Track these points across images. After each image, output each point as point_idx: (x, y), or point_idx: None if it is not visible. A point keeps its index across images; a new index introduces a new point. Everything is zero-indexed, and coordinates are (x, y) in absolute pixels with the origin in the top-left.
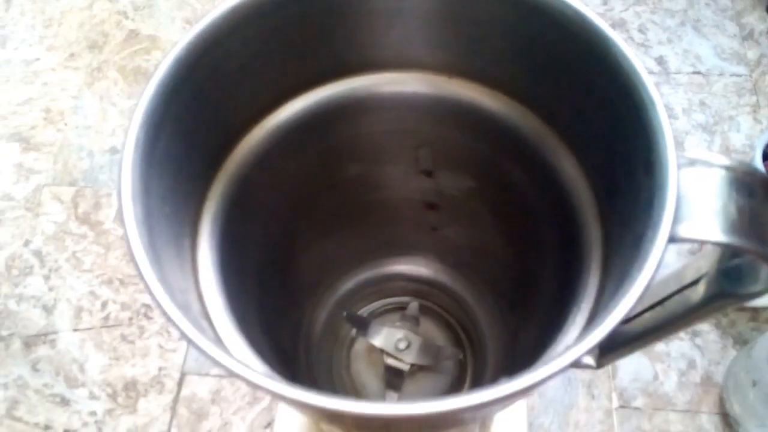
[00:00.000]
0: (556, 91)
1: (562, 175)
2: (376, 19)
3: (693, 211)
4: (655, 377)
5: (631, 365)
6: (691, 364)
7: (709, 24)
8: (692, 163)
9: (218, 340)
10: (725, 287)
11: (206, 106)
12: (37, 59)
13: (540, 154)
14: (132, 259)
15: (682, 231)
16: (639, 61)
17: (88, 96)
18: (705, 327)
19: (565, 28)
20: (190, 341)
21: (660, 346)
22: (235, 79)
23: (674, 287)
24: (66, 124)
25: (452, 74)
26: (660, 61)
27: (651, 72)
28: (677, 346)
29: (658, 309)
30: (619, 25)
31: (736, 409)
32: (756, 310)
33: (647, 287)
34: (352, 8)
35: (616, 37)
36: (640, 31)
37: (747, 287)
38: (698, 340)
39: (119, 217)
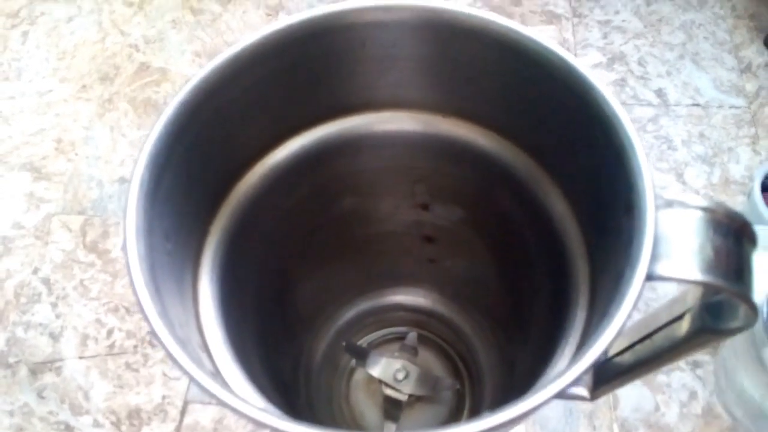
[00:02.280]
0: (543, 132)
1: (552, 211)
2: (371, 64)
3: (671, 251)
4: (657, 408)
5: (632, 396)
6: (693, 395)
7: (708, 57)
8: (670, 204)
9: (216, 373)
10: (707, 322)
11: (208, 147)
12: (50, 91)
13: (530, 190)
14: (134, 295)
15: (660, 270)
16: (621, 107)
17: (98, 127)
18: (706, 357)
19: (550, 74)
20: (188, 375)
21: (661, 377)
22: (236, 122)
23: (665, 320)
24: (77, 154)
25: (446, 114)
26: (659, 93)
27: (650, 104)
28: (678, 376)
29: (647, 342)
30: (619, 58)
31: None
32: None
33: (623, 326)
34: (348, 53)
35: (599, 83)
36: (640, 63)
37: (727, 323)
38: (699, 371)
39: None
